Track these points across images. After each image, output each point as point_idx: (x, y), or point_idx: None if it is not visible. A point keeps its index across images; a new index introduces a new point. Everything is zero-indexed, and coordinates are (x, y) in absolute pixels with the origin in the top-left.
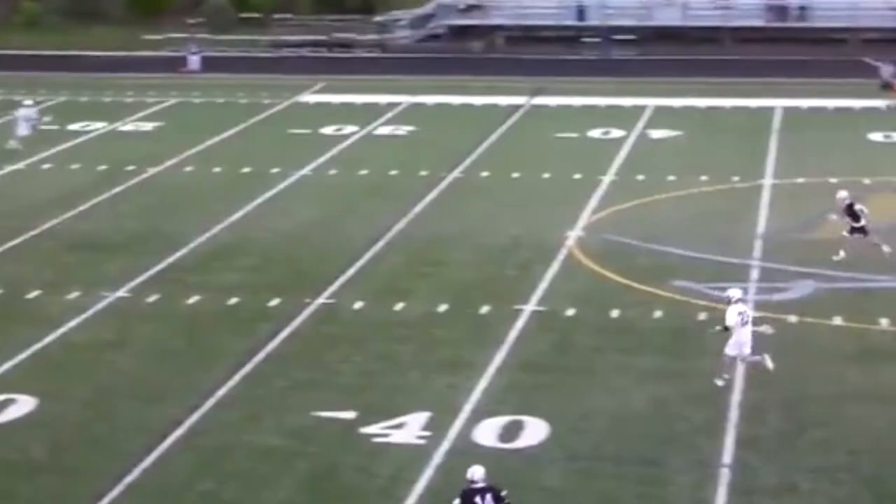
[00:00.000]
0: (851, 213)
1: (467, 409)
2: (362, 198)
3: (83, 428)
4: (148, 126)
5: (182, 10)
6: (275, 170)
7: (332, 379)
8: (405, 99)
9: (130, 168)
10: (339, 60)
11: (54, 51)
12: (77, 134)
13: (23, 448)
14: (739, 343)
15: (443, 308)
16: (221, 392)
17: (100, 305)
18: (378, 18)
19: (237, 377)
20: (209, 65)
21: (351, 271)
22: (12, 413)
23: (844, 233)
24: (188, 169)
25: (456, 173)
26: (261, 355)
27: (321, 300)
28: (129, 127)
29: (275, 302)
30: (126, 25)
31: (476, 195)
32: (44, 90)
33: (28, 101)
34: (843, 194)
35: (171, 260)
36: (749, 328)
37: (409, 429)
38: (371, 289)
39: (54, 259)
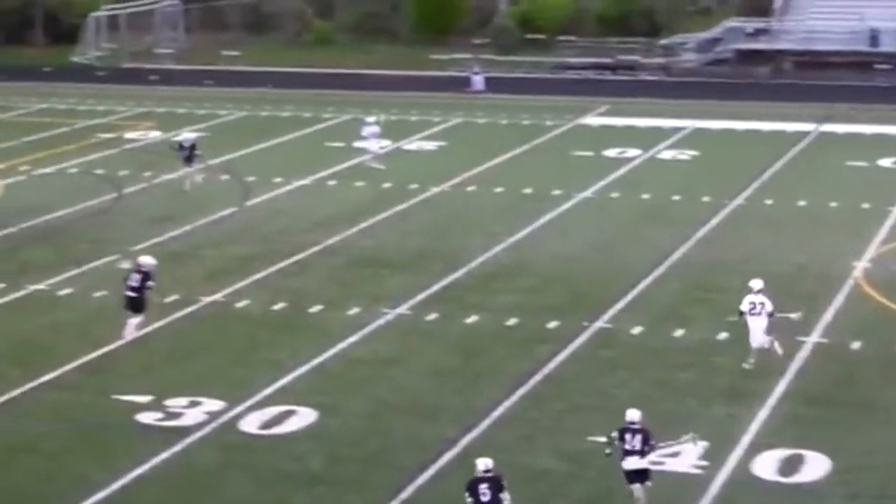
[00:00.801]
0: None
1: (746, 440)
2: (643, 222)
3: (360, 442)
4: (431, 145)
5: (469, 31)
6: (556, 191)
7: (609, 403)
8: (689, 123)
9: (413, 186)
10: (624, 83)
11: (343, 69)
12: (363, 152)
13: (301, 459)
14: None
15: (723, 336)
16: (497, 412)
17: (380, 322)
18: (663, 42)
19: (513, 398)
20: (493, 85)
21: (630, 296)
22: (293, 424)
23: None
24: (470, 189)
25: (739, 200)
26: (538, 377)
27: (599, 324)
28: (413, 146)
29: (553, 324)
30: (414, 44)
31: (759, 222)
32: (332, 108)
33: (371, 118)
34: None
35: (451, 279)
36: (759, 319)
37: (686, 457)
38: (650, 314)
39: (336, 275)
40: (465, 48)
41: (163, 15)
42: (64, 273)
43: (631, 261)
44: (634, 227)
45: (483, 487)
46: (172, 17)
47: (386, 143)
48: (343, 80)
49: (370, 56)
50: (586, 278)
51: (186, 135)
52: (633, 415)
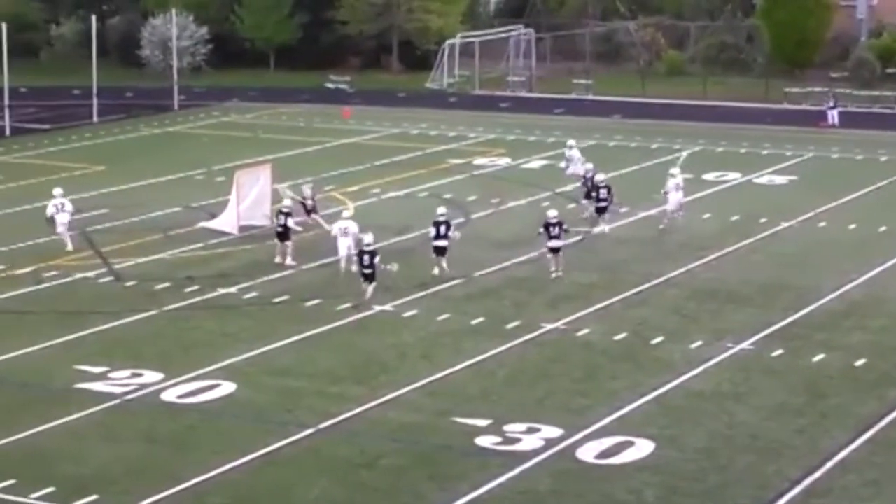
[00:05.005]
0: None
1: None
2: None
3: (697, 476)
4: (782, 179)
5: (826, 64)
6: None
7: None
8: None
9: (763, 220)
10: None
11: (694, 100)
12: (712, 184)
13: (636, 491)
14: None
15: None
16: (842, 455)
17: (723, 356)
18: None
19: (860, 441)
20: (849, 120)
21: None
22: (630, 455)
23: None
24: (822, 224)
25: None
26: (886, 420)
27: None
28: (763, 180)
29: None
30: (768, 77)
31: None
32: (681, 139)
33: (571, 141)
34: None
35: (798, 315)
36: None
37: None
38: None
39: (680, 307)
40: (822, 81)
41: (515, 43)
42: (411, 295)
43: None
44: None
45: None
46: (525, 45)
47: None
48: (694, 112)
49: (723, 88)
50: None
51: (587, 165)
52: (552, 213)
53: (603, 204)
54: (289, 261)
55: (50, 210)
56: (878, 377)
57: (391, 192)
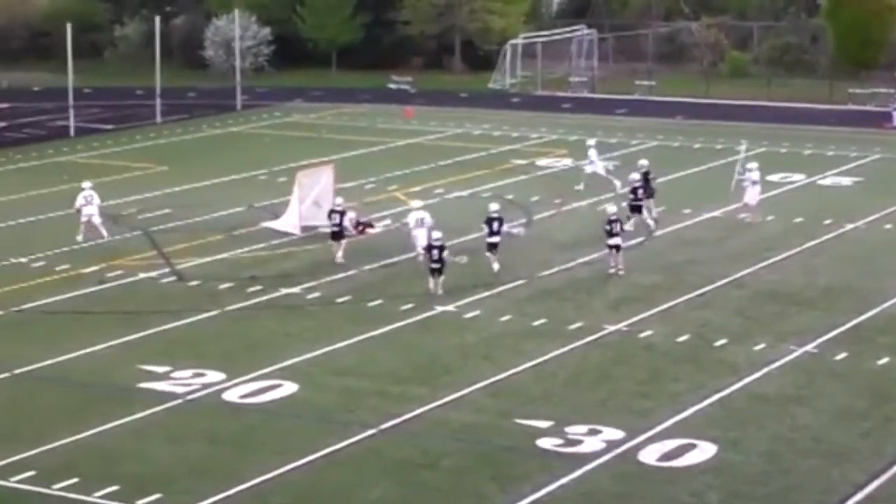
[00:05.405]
0: None
1: None
2: None
3: (760, 480)
4: (847, 181)
5: (890, 65)
6: None
7: None
8: None
9: (827, 222)
10: None
11: (758, 101)
12: (776, 185)
13: (698, 494)
14: None
15: None
16: None
17: (786, 358)
18: None
19: None
20: None
21: None
22: (692, 458)
23: None
24: (887, 226)
25: None
26: None
27: None
28: (828, 181)
29: None
30: (833, 78)
31: None
32: (745, 139)
33: (591, 141)
34: None
35: (862, 318)
36: None
37: None
38: None
39: (743, 309)
40: (887, 82)
41: (578, 43)
42: (473, 295)
43: None
44: None
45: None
46: (588, 45)
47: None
48: (757, 113)
49: (787, 89)
50: None
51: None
52: (611, 209)
53: (637, 203)
54: (339, 258)
55: (78, 202)
56: None
57: (455, 192)
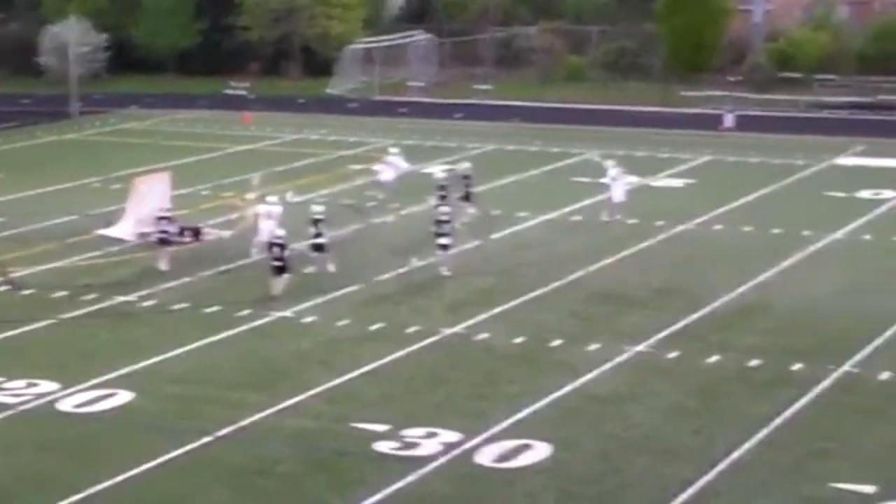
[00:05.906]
0: None
1: None
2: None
3: (594, 479)
4: (679, 182)
5: (722, 69)
6: (806, 232)
7: (853, 450)
8: None
9: (659, 223)
10: (883, 123)
11: (593, 105)
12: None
13: (533, 494)
14: None
15: None
16: (735, 455)
17: (620, 358)
18: None
19: (753, 441)
20: (745, 123)
21: (879, 340)
22: (528, 458)
23: None
24: (717, 227)
25: None
26: (778, 420)
27: (846, 368)
28: (660, 183)
29: (797, 367)
30: (665, 82)
31: None
32: (580, 144)
33: (394, 149)
34: None
35: (693, 317)
36: None
37: None
38: None
39: (578, 310)
40: (719, 86)
41: (416, 49)
42: (310, 300)
43: (882, 305)
44: (886, 271)
45: None
46: (426, 50)
47: (633, 178)
48: (593, 117)
49: (622, 93)
50: (833, 321)
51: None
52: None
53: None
54: (164, 265)
55: None
56: (770, 378)
57: (291, 198)
